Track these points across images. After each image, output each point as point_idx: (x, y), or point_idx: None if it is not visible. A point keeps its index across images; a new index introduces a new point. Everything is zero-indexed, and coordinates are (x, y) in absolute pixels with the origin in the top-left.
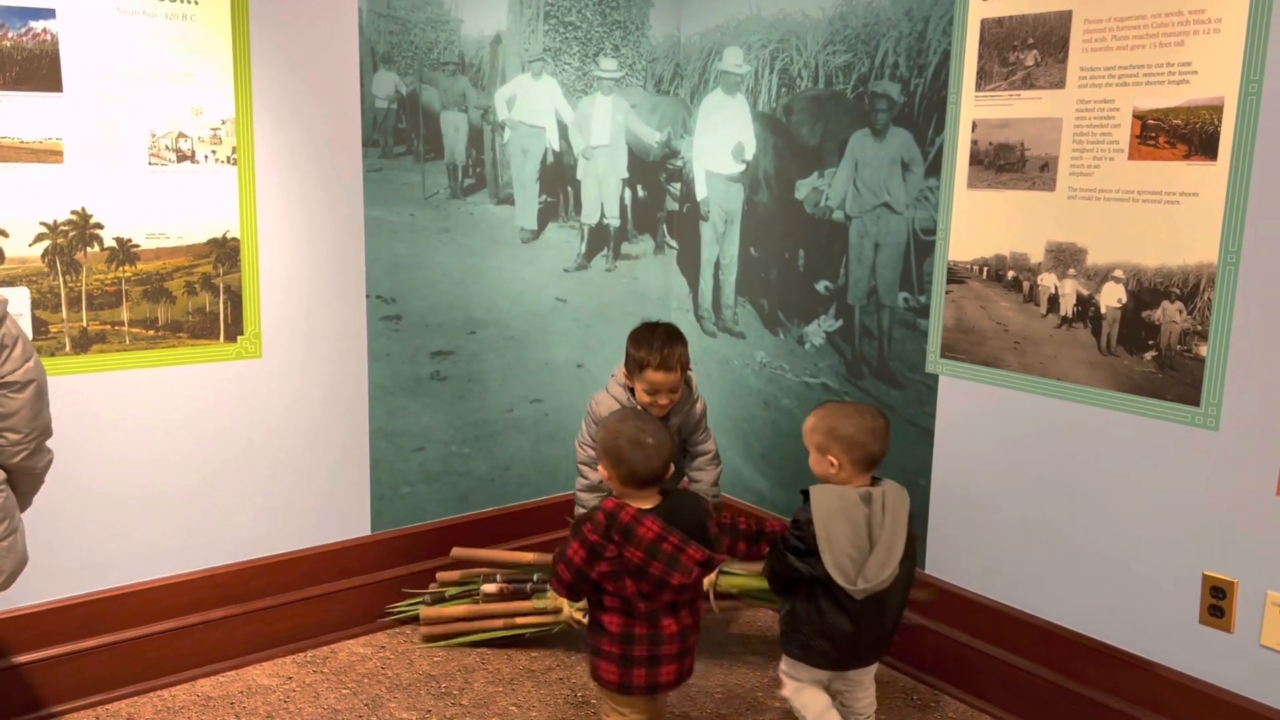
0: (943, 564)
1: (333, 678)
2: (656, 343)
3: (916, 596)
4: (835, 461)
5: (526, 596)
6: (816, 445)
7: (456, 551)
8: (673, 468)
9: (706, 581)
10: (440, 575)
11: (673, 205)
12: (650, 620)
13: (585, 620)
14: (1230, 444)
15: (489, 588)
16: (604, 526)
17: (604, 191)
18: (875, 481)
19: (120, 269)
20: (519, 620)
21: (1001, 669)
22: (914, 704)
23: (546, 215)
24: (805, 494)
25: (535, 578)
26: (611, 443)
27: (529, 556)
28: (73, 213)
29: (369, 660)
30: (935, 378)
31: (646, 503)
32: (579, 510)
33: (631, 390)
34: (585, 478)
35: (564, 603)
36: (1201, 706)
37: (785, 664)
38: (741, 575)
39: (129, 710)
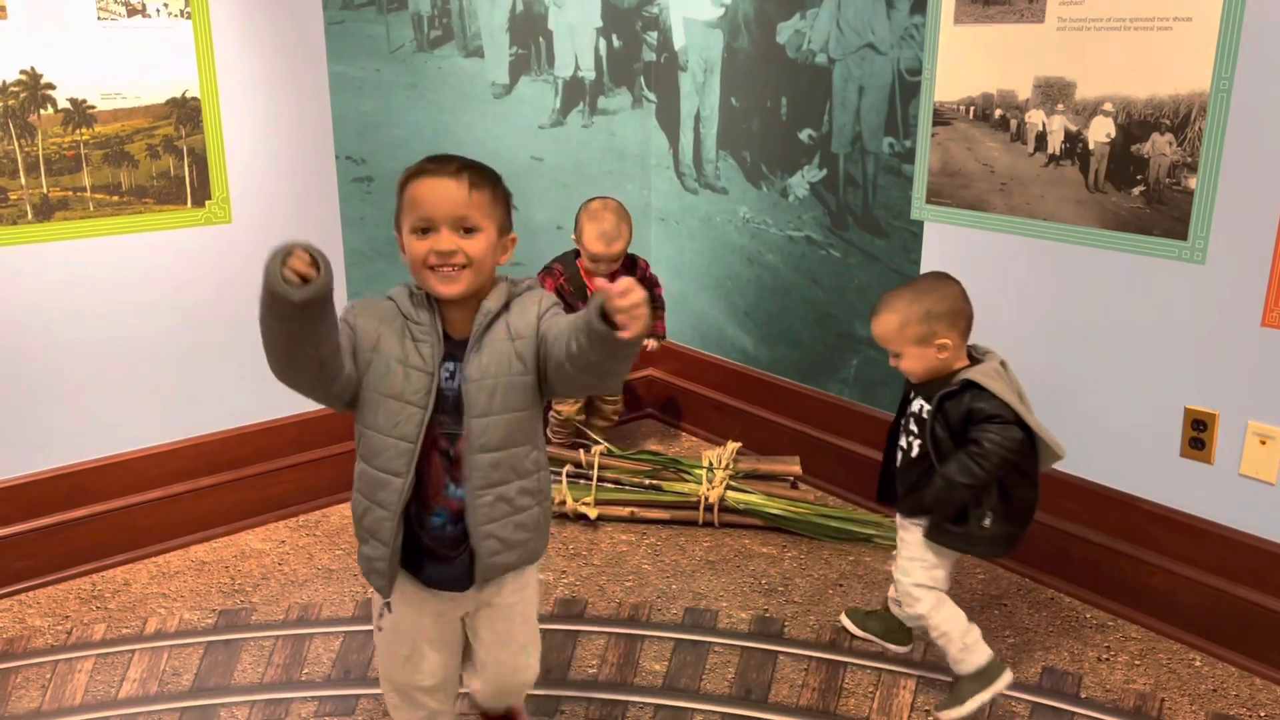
0: None
1: (325, 540)
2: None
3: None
4: (947, 342)
5: None
6: (916, 338)
7: None
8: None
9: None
10: None
11: (650, 56)
12: None
13: (594, 515)
14: (1217, 276)
15: None
16: None
17: (577, 42)
18: (978, 352)
19: (77, 132)
20: None
21: None
22: None
23: (518, 68)
24: (965, 386)
25: None
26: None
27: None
28: (22, 73)
29: None
30: (920, 224)
31: None
32: None
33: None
34: None
35: (568, 494)
36: (1182, 536)
37: (922, 573)
38: (752, 494)
39: (125, 576)
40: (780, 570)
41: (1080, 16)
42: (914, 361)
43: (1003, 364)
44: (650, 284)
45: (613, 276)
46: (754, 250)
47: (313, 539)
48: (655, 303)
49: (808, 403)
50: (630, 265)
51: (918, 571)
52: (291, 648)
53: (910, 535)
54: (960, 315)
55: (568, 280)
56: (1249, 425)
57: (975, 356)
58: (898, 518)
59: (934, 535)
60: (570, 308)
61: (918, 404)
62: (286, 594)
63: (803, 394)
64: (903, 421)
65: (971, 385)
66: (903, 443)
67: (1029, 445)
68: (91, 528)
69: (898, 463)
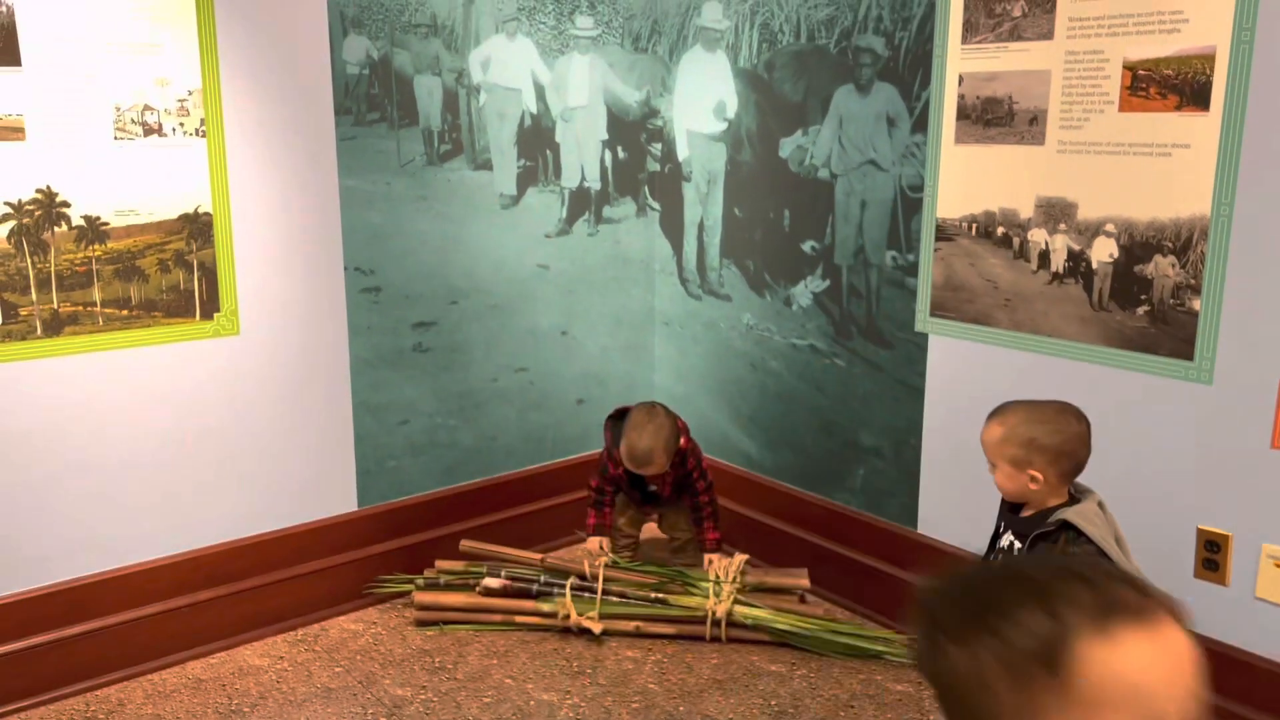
0: (934, 523)
1: (325, 655)
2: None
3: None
4: (1039, 476)
5: (531, 596)
6: (1010, 459)
7: (465, 545)
8: None
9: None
10: (440, 564)
11: (654, 166)
12: None
13: (598, 630)
14: (1224, 397)
15: (491, 582)
16: None
17: (584, 154)
18: (1078, 490)
19: (90, 248)
20: (518, 619)
21: None
22: (907, 670)
23: (526, 180)
24: (1059, 527)
25: (541, 579)
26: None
27: (538, 557)
28: (38, 191)
29: (361, 636)
30: (925, 337)
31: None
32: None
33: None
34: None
35: (571, 608)
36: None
37: None
38: (760, 608)
39: (119, 695)
40: (790, 690)
41: (1080, 140)
42: (1004, 480)
43: (1100, 505)
44: (694, 489)
45: (662, 479)
46: (757, 356)
47: (311, 654)
48: (699, 511)
49: (813, 511)
50: (680, 462)
51: None
52: None
53: None
54: (1066, 457)
55: (626, 472)
56: (1264, 549)
57: (1074, 495)
58: None
59: None
60: (627, 494)
61: (1007, 539)
62: (284, 714)
63: (808, 501)
64: (991, 558)
65: (1069, 527)
66: None
67: None
68: (87, 645)
69: None
